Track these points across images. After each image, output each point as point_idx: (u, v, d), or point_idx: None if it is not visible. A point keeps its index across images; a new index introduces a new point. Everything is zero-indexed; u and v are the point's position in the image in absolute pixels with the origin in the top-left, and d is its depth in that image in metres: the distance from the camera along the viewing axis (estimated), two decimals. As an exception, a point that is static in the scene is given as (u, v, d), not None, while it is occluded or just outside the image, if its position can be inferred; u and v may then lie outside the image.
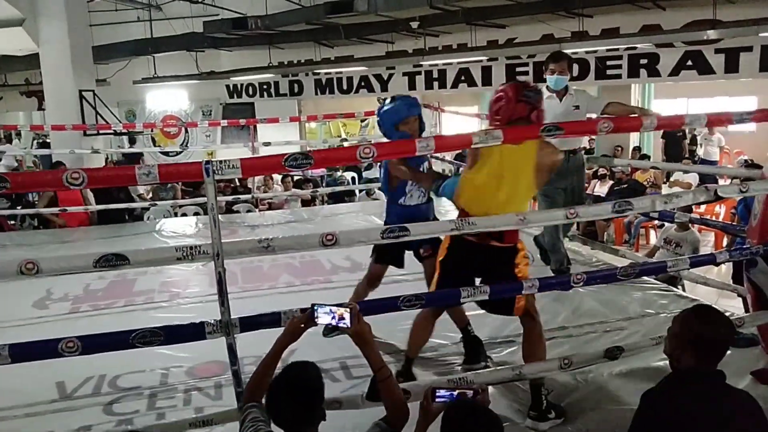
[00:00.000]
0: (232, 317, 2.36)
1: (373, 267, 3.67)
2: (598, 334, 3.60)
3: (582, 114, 4.25)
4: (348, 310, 2.01)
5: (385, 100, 3.64)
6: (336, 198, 9.08)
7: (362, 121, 15.37)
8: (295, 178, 10.35)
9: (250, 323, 2.43)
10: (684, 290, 4.66)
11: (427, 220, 3.49)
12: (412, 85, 12.23)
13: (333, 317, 2.02)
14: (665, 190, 9.47)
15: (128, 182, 2.14)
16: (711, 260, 3.08)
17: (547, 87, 4.26)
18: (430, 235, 2.68)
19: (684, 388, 1.94)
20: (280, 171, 2.16)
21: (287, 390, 1.89)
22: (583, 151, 4.67)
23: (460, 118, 11.68)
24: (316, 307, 2.05)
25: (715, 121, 3.20)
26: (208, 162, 2.20)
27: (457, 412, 1.81)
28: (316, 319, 2.05)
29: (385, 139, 3.43)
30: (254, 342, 2.46)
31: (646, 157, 11.99)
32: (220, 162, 2.21)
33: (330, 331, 3.11)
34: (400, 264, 3.62)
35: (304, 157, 2.25)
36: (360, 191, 9.49)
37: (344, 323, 2.00)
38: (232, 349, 2.40)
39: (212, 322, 2.38)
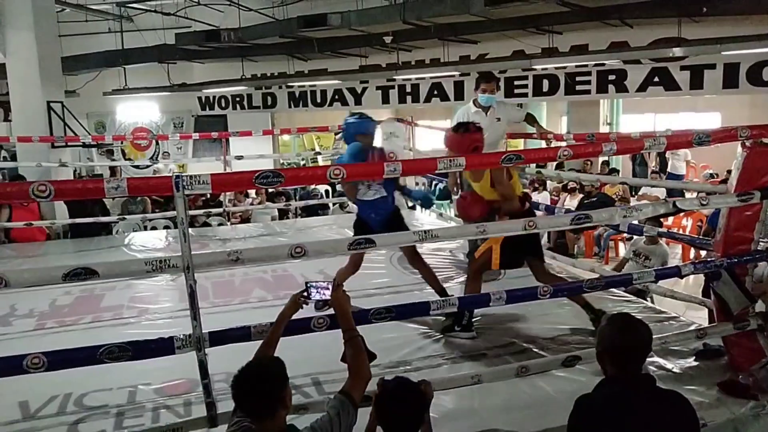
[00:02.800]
0: (203, 332, 2.34)
1: (352, 255, 4.13)
2: (567, 346, 3.63)
3: (503, 124, 4.97)
4: (329, 284, 2.43)
5: (354, 114, 4.30)
6: (309, 211, 9.05)
7: (336, 134, 15.38)
8: (269, 190, 10.33)
9: (221, 338, 2.41)
10: (653, 302, 4.74)
11: (385, 211, 4.14)
12: (385, 99, 12.29)
13: (319, 292, 2.43)
14: (634, 203, 9.64)
15: (97, 195, 2.10)
16: (676, 273, 3.14)
17: (475, 102, 4.95)
18: (396, 244, 2.74)
19: (609, 394, 2.04)
20: (251, 188, 2.17)
21: (245, 379, 1.96)
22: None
23: (433, 132, 11.74)
24: (308, 285, 2.43)
25: (675, 144, 3.29)
26: (178, 176, 2.19)
27: (386, 386, 2.19)
28: (309, 296, 2.43)
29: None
30: (223, 356, 2.45)
31: (615, 171, 12.21)
32: (190, 177, 2.20)
33: (320, 305, 3.16)
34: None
35: (275, 175, 2.25)
36: (333, 204, 9.47)
37: (326, 295, 2.41)
38: (202, 365, 2.37)
39: (182, 336, 2.35)
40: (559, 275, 3.97)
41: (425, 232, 2.52)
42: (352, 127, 4.15)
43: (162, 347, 2.34)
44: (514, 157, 2.58)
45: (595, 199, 9.47)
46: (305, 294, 2.44)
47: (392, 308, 2.56)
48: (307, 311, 2.56)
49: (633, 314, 4.00)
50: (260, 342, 2.39)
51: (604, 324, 2.17)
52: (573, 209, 9.91)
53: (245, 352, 2.26)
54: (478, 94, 4.93)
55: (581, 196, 9.99)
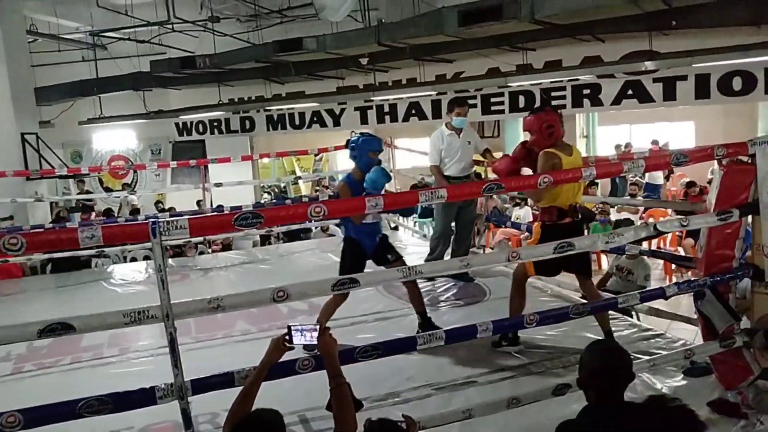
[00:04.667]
0: (185, 379, 2.28)
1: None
2: (557, 369, 3.62)
3: (473, 147, 5.32)
4: (315, 327, 2.29)
5: (358, 133, 4.39)
6: (291, 236, 8.99)
7: (316, 155, 15.38)
8: (249, 216, 10.24)
9: (203, 386, 2.35)
10: (638, 318, 4.75)
11: (377, 233, 4.20)
12: (364, 119, 12.30)
13: (304, 336, 2.28)
14: (613, 214, 9.70)
15: (70, 245, 2.05)
16: (660, 294, 3.15)
17: (447, 124, 5.28)
18: (381, 283, 2.70)
19: (597, 419, 2.03)
20: (231, 230, 2.13)
21: None
22: (474, 174, 5.66)
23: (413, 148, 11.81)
24: (291, 328, 2.29)
25: (654, 166, 3.32)
26: (154, 222, 2.14)
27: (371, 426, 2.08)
28: (291, 339, 2.28)
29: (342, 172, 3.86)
30: (208, 400, 2.40)
31: (594, 184, 12.31)
32: (167, 222, 2.15)
33: (308, 348, 3.11)
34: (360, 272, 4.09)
35: (254, 216, 2.22)
36: (315, 228, 9.42)
37: (312, 339, 2.28)
38: (186, 413, 2.31)
39: (163, 386, 2.29)
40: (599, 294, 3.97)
41: (410, 268, 2.50)
42: (365, 144, 4.16)
43: (143, 398, 2.27)
44: (494, 187, 2.57)
45: (575, 212, 9.50)
46: (287, 338, 2.29)
47: (379, 345, 2.52)
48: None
49: (619, 331, 4.10)
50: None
51: (585, 351, 2.18)
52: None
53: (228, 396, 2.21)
54: (452, 117, 5.20)
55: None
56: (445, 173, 5.28)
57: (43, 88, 11.52)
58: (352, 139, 4.30)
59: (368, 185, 3.91)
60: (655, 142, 14.25)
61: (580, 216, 3.74)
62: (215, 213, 9.14)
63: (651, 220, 9.80)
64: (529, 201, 11.07)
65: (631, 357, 2.11)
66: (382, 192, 3.96)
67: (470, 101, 10.82)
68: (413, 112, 11.70)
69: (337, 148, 7.64)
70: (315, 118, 12.82)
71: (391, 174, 8.35)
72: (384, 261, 4.16)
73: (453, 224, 5.57)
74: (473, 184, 2.79)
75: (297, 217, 2.37)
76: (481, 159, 5.54)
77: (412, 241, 7.37)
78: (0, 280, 6.78)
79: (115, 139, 15.11)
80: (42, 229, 7.93)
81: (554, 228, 3.60)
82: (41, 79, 11.72)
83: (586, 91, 9.87)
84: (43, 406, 2.22)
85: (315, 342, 2.26)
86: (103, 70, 12.45)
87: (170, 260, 7.25)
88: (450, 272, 2.66)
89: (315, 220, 2.37)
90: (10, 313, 5.45)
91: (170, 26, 11.27)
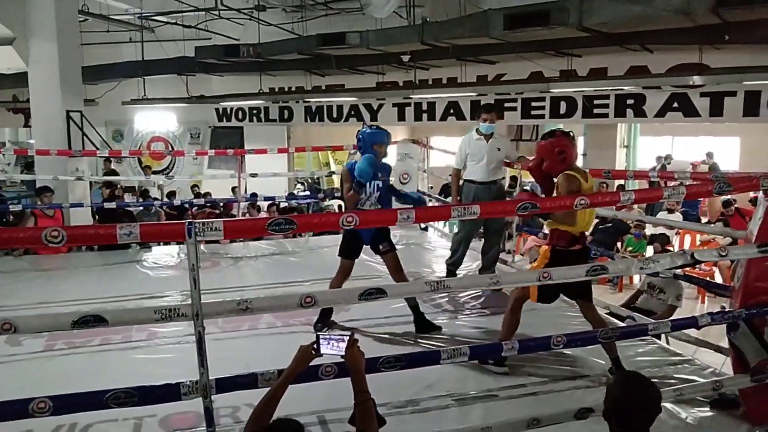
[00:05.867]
0: (210, 378, 2.32)
1: (342, 262, 4.49)
2: (581, 390, 3.57)
3: (502, 155, 5.33)
4: (344, 338, 2.22)
5: (367, 125, 4.55)
6: (322, 229, 9.03)
7: (351, 151, 15.44)
8: (282, 205, 10.34)
9: (227, 385, 2.39)
10: (667, 341, 4.65)
11: None
12: (401, 116, 12.28)
13: (331, 346, 2.23)
14: (649, 228, 9.52)
15: (109, 241, 2.10)
16: (692, 324, 3.08)
17: (477, 130, 5.33)
18: (408, 295, 2.70)
19: None
20: (263, 234, 2.15)
21: None
22: (503, 181, 5.63)
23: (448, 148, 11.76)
24: (319, 337, 2.25)
25: (695, 194, 3.24)
26: (191, 223, 2.18)
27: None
28: (319, 348, 2.23)
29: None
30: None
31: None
32: (203, 224, 2.18)
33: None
34: (357, 255, 4.52)
35: (287, 223, 2.24)
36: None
37: (340, 350, 2.22)
38: (208, 411, 2.35)
39: (188, 383, 2.33)
40: (601, 320, 3.89)
41: (437, 283, 2.49)
42: (369, 137, 4.37)
43: (168, 393, 2.32)
44: (529, 206, 2.54)
45: (610, 224, 9.37)
46: (315, 347, 2.26)
47: (402, 357, 2.53)
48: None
49: (646, 354, 4.03)
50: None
51: (612, 383, 2.15)
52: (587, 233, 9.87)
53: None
54: (479, 122, 5.33)
55: (596, 220, 9.88)
56: (470, 178, 5.36)
57: (90, 67, 11.76)
58: (361, 130, 4.48)
59: (356, 173, 4.20)
60: (710, 155, 13.89)
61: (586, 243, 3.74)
62: (249, 201, 9.32)
63: (688, 237, 9.58)
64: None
65: (660, 393, 2.07)
66: (372, 179, 4.29)
67: (510, 104, 10.75)
68: (451, 111, 11.63)
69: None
70: (353, 112, 12.85)
71: (424, 172, 8.37)
72: (377, 249, 4.46)
73: (481, 229, 5.59)
74: (507, 202, 2.76)
75: (329, 225, 2.39)
76: (510, 162, 5.51)
77: (441, 243, 7.34)
78: (45, 255, 6.96)
79: (155, 121, 15.37)
80: (81, 207, 8.20)
81: (566, 254, 3.55)
82: (89, 58, 11.98)
83: (630, 101, 9.67)
84: (72, 394, 2.29)
85: (342, 353, 2.22)
86: (148, 53, 12.67)
87: (202, 246, 7.36)
88: (479, 288, 2.61)
89: (346, 229, 2.34)
90: (47, 290, 5.62)
91: (217, 13, 11.42)
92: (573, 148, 3.70)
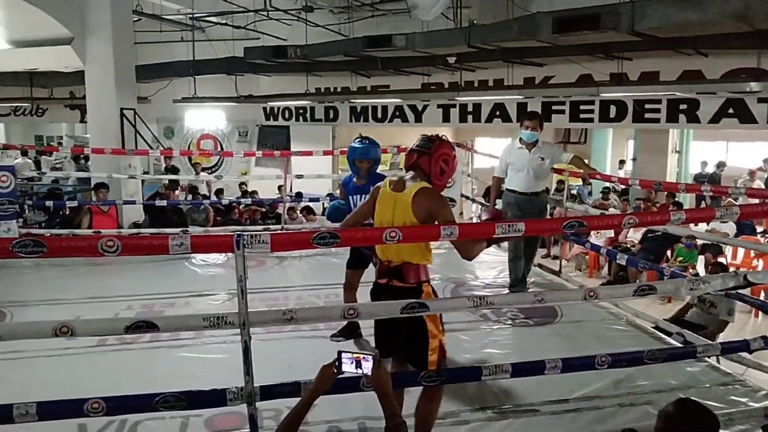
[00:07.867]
0: (254, 386, 2.38)
1: (347, 273, 4.37)
2: (625, 407, 3.50)
3: (546, 164, 5.12)
4: (369, 357, 2.11)
5: (361, 138, 4.31)
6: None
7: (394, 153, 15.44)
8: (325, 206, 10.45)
9: (271, 392, 2.44)
10: (718, 360, 4.51)
11: None
12: (446, 118, 12.25)
13: (354, 364, 2.12)
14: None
15: (161, 252, 2.17)
16: (744, 348, 2.99)
17: (520, 139, 5.16)
18: (450, 311, 2.70)
19: None
20: (309, 247, 2.18)
21: None
22: (545, 193, 5.44)
23: (492, 151, 11.65)
24: (341, 354, 2.15)
25: (750, 214, 3.14)
26: (239, 235, 2.23)
27: None
28: (341, 367, 2.14)
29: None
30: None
31: (679, 204, 11.76)
32: (251, 237, 2.24)
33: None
34: (364, 266, 4.28)
35: (332, 236, 2.27)
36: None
37: (364, 370, 2.11)
38: (253, 420, 2.41)
39: (234, 390, 2.40)
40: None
41: (480, 299, 2.48)
42: (349, 153, 4.26)
43: (215, 399, 2.39)
44: (576, 224, 2.51)
45: (659, 234, 9.12)
46: (337, 365, 2.14)
47: (443, 372, 2.53)
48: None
49: (696, 374, 3.92)
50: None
51: (670, 406, 2.07)
52: (636, 241, 9.64)
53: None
54: (522, 130, 5.14)
55: (645, 228, 9.65)
56: (510, 187, 5.23)
57: (143, 66, 12.10)
58: (351, 143, 4.33)
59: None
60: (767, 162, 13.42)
61: None
62: (293, 201, 9.46)
63: (741, 251, 9.28)
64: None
65: (719, 424, 2.01)
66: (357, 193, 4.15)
67: (558, 107, 10.59)
68: (497, 113, 11.54)
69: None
70: (397, 113, 12.88)
71: (469, 176, 8.31)
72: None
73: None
74: (553, 220, 2.72)
75: (372, 239, 2.40)
76: (574, 169, 5.38)
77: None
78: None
79: (205, 119, 15.73)
80: (134, 203, 8.48)
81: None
82: (142, 58, 12.33)
83: (683, 107, 9.40)
84: (124, 396, 2.38)
85: (365, 372, 2.11)
86: (199, 52, 12.97)
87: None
88: (521, 305, 2.59)
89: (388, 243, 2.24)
90: (100, 285, 5.85)
91: (266, 13, 11.59)
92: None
